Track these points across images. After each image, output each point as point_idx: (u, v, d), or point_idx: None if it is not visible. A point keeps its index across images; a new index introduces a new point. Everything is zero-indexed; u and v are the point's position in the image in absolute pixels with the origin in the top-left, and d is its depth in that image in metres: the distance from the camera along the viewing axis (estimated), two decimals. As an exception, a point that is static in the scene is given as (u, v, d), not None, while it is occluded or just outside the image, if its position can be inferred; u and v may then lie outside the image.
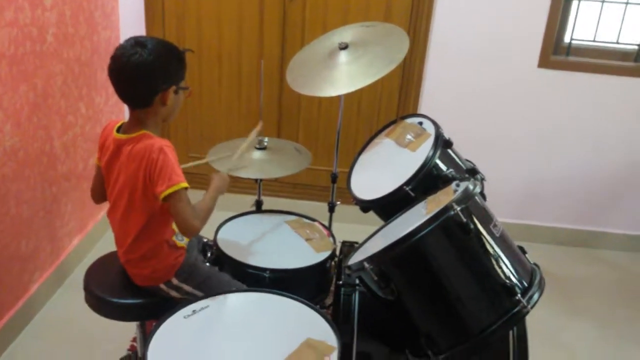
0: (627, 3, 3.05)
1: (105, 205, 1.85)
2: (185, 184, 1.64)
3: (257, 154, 2.26)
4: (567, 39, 3.11)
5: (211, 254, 2.07)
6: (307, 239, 2.15)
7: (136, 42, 1.65)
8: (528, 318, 1.56)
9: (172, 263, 1.79)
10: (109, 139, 1.75)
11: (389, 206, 1.92)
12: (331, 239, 2.18)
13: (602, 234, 3.40)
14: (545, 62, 3.07)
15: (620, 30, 3.09)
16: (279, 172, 2.25)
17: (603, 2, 3.05)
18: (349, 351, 1.71)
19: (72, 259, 2.78)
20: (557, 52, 3.11)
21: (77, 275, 2.69)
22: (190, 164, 2.13)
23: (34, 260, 2.48)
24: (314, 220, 2.31)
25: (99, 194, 1.88)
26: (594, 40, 3.12)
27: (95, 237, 2.98)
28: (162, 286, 1.80)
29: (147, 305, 1.81)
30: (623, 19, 3.07)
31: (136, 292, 1.82)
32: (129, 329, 2.18)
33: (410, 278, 1.57)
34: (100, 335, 2.36)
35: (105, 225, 1.87)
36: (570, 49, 3.11)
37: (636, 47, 3.11)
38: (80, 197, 2.80)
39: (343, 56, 2.22)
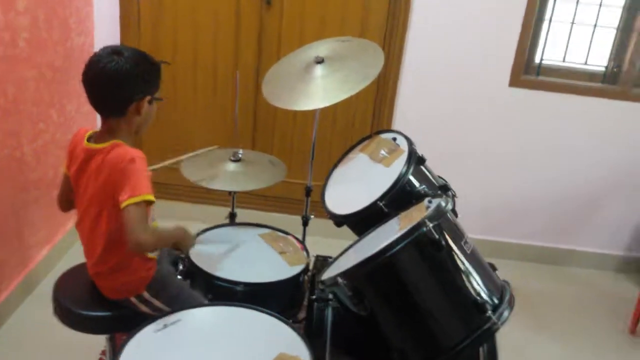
0: (595, 25, 3.14)
1: (74, 214, 1.83)
2: (150, 197, 1.58)
3: (231, 166, 2.26)
4: (537, 59, 3.19)
5: (183, 267, 2.05)
6: (280, 253, 2.15)
7: (113, 50, 1.64)
8: (497, 334, 1.58)
9: (143, 275, 1.76)
10: (79, 147, 1.72)
11: (362, 221, 1.93)
12: (305, 253, 2.19)
13: (570, 252, 3.48)
14: (516, 81, 3.14)
15: (588, 52, 3.19)
16: (253, 184, 2.25)
17: (572, 24, 3.14)
18: (321, 366, 1.71)
19: (41, 269, 2.73)
20: (527, 72, 3.18)
21: (46, 286, 2.64)
22: (163, 163, 2.13)
23: (1, 269, 2.42)
24: (287, 233, 2.31)
25: (66, 202, 1.85)
26: (563, 61, 3.20)
27: (65, 247, 2.93)
28: (133, 299, 1.77)
29: (117, 318, 1.78)
30: (591, 41, 3.17)
31: (106, 305, 1.79)
32: (98, 342, 2.14)
33: (383, 293, 1.58)
34: (69, 347, 2.31)
35: (74, 236, 1.84)
36: (540, 69, 3.18)
37: (603, 69, 3.21)
38: (50, 206, 2.73)
39: (319, 70, 2.23)
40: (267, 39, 3.13)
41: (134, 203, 1.56)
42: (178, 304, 1.77)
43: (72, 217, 2.58)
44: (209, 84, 3.24)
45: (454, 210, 1.72)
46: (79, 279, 1.87)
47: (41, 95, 2.60)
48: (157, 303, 1.79)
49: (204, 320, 1.67)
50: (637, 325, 2.90)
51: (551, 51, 3.19)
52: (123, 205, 1.57)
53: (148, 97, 1.68)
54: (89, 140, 1.71)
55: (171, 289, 1.82)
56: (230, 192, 2.44)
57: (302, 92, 2.21)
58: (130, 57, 1.63)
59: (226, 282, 1.94)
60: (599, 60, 3.21)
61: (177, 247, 1.79)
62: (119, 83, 1.62)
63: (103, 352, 2.30)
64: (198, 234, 2.22)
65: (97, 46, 3.07)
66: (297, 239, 2.29)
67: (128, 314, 1.79)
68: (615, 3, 3.11)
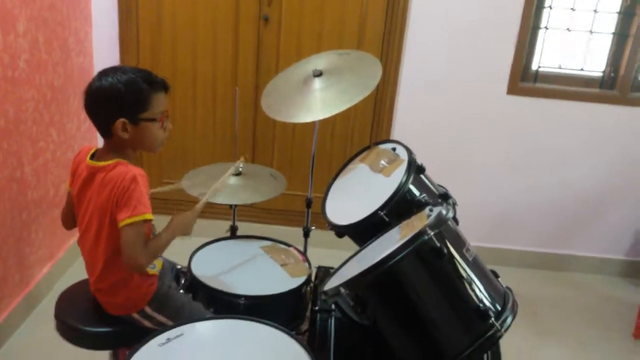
0: (591, 32, 3.16)
1: (76, 232, 1.83)
2: (149, 216, 1.61)
3: (232, 180, 2.26)
4: (534, 67, 3.20)
5: (185, 281, 2.05)
6: (282, 265, 2.15)
7: (101, 72, 1.66)
8: (501, 341, 1.57)
9: (144, 292, 1.76)
10: (82, 165, 1.73)
11: (363, 231, 1.93)
12: (306, 264, 2.18)
13: (572, 257, 3.47)
14: (513, 89, 3.16)
15: (585, 58, 3.20)
16: (254, 197, 2.25)
17: (568, 30, 3.16)
18: (325, 377, 1.71)
19: (42, 287, 2.72)
20: (525, 79, 3.20)
21: (48, 304, 2.64)
22: (165, 188, 2.12)
23: (2, 288, 2.42)
24: (289, 245, 2.31)
25: (70, 220, 1.85)
26: (560, 68, 3.22)
27: (66, 264, 2.93)
28: (135, 315, 1.77)
29: (120, 333, 1.78)
30: (587, 47, 3.18)
31: (108, 321, 1.78)
32: (102, 358, 2.13)
33: (386, 303, 1.58)
34: (71, 365, 2.30)
35: (76, 252, 1.84)
36: (537, 76, 3.20)
37: (600, 74, 3.22)
38: (50, 224, 2.76)
39: (317, 83, 2.24)
40: (265, 53, 3.15)
41: (132, 223, 1.59)
42: (181, 317, 1.77)
43: (73, 234, 2.58)
44: (208, 100, 3.26)
45: (454, 218, 1.72)
46: (81, 295, 1.87)
47: (41, 115, 2.61)
48: (160, 318, 1.79)
49: (206, 333, 1.66)
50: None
51: (548, 58, 3.21)
52: (121, 224, 1.59)
53: (122, 120, 1.64)
54: (92, 157, 1.72)
55: (173, 304, 1.82)
56: (231, 206, 2.44)
57: (301, 105, 2.22)
58: (109, 80, 1.63)
59: (228, 296, 1.94)
60: (595, 65, 3.23)
61: (183, 235, 1.79)
62: (97, 105, 1.66)
63: (106, 369, 2.29)
64: (200, 247, 2.22)
65: (97, 66, 3.11)
66: (298, 250, 2.28)
67: (131, 329, 1.79)
68: (610, 9, 3.13)
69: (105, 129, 1.68)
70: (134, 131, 1.67)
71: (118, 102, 1.65)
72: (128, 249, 1.60)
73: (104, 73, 1.65)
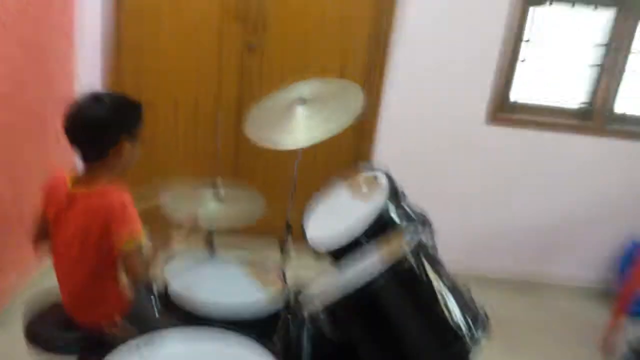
0: (568, 64, 3.24)
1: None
2: (144, 235, 1.66)
3: (212, 204, 2.26)
4: (513, 98, 3.26)
5: (159, 301, 2.02)
6: (261, 286, 2.14)
7: (91, 97, 1.68)
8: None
9: (119, 305, 1.79)
10: (61, 190, 1.71)
11: (343, 255, 1.94)
12: (285, 286, 2.17)
13: (546, 281, 3.51)
14: (493, 118, 3.21)
15: (562, 90, 3.28)
16: (233, 221, 2.24)
17: (545, 63, 3.24)
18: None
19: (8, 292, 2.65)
20: (504, 110, 3.26)
21: (14, 309, 2.56)
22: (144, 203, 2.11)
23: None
24: (268, 267, 2.30)
25: (41, 237, 1.82)
26: (538, 99, 3.29)
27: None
28: (105, 325, 1.77)
29: (88, 340, 1.76)
30: (565, 79, 3.26)
31: (77, 327, 1.77)
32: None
33: (362, 324, 1.58)
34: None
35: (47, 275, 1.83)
36: (516, 108, 3.26)
37: (578, 106, 3.29)
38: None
39: (301, 110, 2.27)
40: (249, 81, 3.18)
41: (133, 245, 1.63)
42: (151, 327, 1.75)
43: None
44: (189, 125, 3.26)
45: (433, 243, 1.74)
46: (50, 300, 1.86)
47: (20, 140, 2.59)
48: (130, 327, 1.78)
49: (176, 342, 1.63)
50: (609, 349, 2.91)
51: (527, 90, 3.28)
52: (123, 247, 1.63)
53: (127, 140, 1.69)
54: (72, 183, 1.71)
55: (145, 313, 1.86)
56: (210, 230, 2.43)
57: (285, 131, 2.24)
58: (109, 103, 1.67)
59: (203, 321, 1.92)
60: (573, 97, 3.30)
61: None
62: (98, 130, 1.66)
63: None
64: (175, 267, 2.20)
65: (80, 90, 3.10)
66: (277, 271, 2.28)
67: (99, 335, 1.76)
68: (587, 42, 3.22)
69: (100, 154, 1.68)
70: (131, 149, 1.71)
71: (127, 121, 1.70)
72: (134, 269, 1.66)
73: (92, 99, 1.67)
